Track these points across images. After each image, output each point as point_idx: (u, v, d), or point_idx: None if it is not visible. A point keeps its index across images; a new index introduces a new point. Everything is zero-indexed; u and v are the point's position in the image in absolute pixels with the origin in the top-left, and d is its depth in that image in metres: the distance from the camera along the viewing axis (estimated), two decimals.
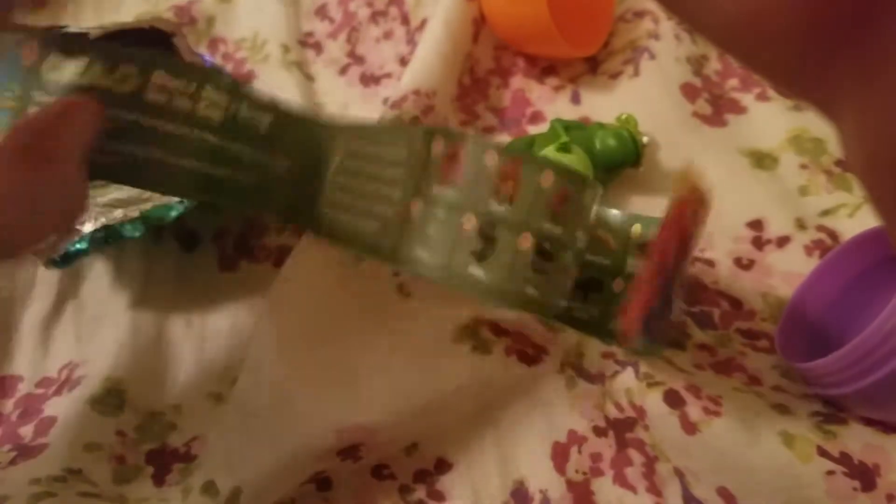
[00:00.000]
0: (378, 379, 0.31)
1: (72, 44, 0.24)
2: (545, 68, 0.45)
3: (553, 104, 0.44)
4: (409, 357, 0.32)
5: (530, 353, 0.33)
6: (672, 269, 0.22)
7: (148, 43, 0.45)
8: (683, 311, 0.34)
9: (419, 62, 0.42)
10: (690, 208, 0.22)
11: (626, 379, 0.30)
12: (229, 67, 0.50)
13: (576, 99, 0.44)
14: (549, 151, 0.36)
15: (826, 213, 0.36)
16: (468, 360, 0.32)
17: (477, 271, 0.23)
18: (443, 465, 0.31)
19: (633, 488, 0.29)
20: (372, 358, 0.32)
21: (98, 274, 0.39)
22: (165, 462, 0.32)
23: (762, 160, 0.38)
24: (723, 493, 0.28)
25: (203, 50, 0.51)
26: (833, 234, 0.35)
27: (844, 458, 0.26)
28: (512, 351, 0.33)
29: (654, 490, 0.29)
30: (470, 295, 0.24)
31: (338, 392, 0.30)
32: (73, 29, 0.45)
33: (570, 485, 0.29)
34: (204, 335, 0.37)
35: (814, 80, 0.11)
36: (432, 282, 0.24)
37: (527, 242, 0.23)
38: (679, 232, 0.22)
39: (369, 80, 0.48)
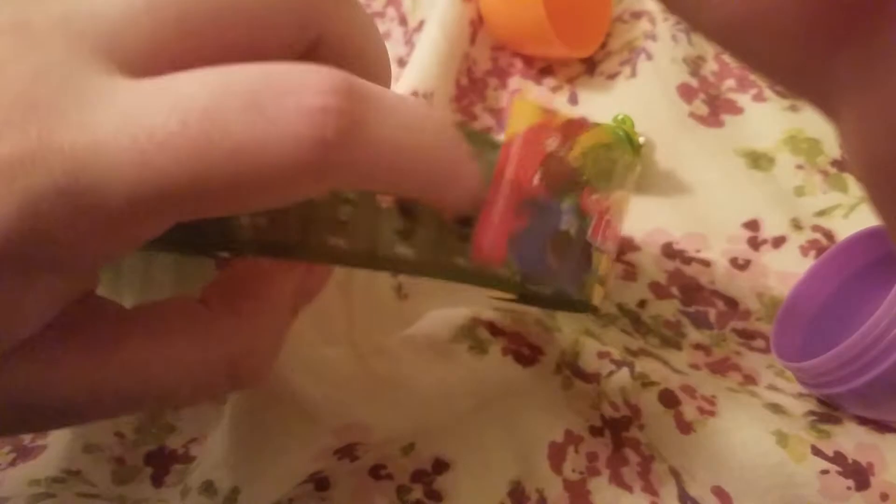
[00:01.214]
0: (374, 379, 0.31)
1: None
2: (542, 69, 0.45)
3: (551, 105, 0.44)
4: (406, 357, 0.32)
5: (526, 354, 0.33)
6: (543, 196, 0.21)
7: None
8: (679, 310, 0.34)
9: (416, 63, 0.42)
10: (543, 133, 0.21)
11: (621, 378, 0.30)
12: None
13: (573, 99, 0.44)
14: None
15: (821, 213, 0.36)
16: (465, 359, 0.32)
17: (403, 249, 0.22)
18: (440, 465, 0.31)
19: (629, 488, 0.29)
20: (369, 358, 0.32)
21: None
22: (164, 463, 0.33)
23: (758, 160, 0.38)
24: (718, 492, 0.28)
25: None
26: (829, 235, 0.35)
27: (838, 458, 0.26)
28: (508, 351, 0.33)
29: (650, 489, 0.29)
30: (402, 273, 0.23)
31: (335, 391, 0.30)
32: None
33: (567, 484, 0.29)
34: None
35: (814, 78, 0.11)
36: (359, 268, 0.22)
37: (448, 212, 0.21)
38: (535, 154, 0.21)
39: None
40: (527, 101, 0.21)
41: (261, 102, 0.14)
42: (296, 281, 0.22)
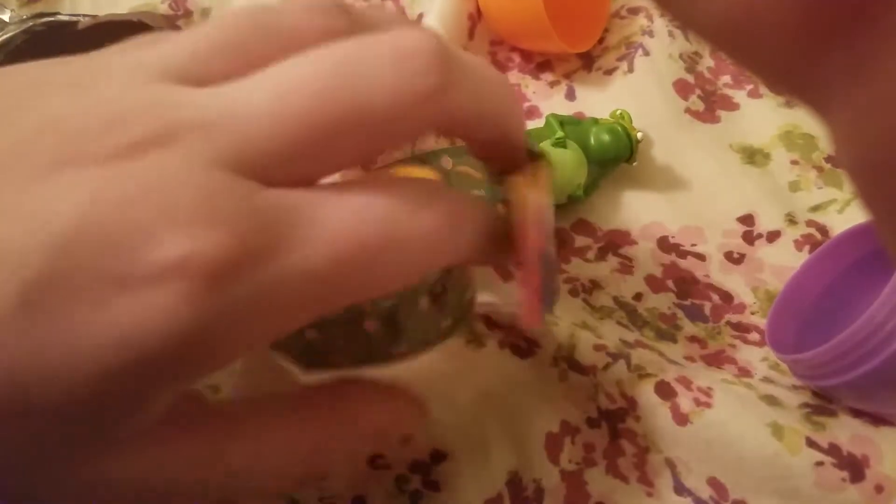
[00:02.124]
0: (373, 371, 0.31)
1: None
2: (540, 64, 0.46)
3: (548, 100, 0.44)
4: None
5: (523, 347, 0.33)
6: (549, 248, 0.23)
7: (137, 36, 0.45)
8: (675, 303, 0.35)
9: None
10: (537, 194, 0.22)
11: (618, 371, 0.30)
12: None
13: (571, 95, 0.44)
14: (545, 146, 0.36)
15: (816, 208, 0.36)
16: (463, 353, 0.32)
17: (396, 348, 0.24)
18: (438, 456, 0.31)
19: (625, 479, 0.30)
20: None
21: None
22: None
23: (753, 156, 0.39)
24: (713, 483, 0.28)
25: None
26: (823, 230, 0.35)
27: (833, 450, 0.27)
28: (505, 344, 0.33)
29: (646, 480, 0.29)
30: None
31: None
32: (63, 17, 0.45)
33: (564, 474, 0.29)
34: None
35: (805, 78, 0.11)
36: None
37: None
38: (539, 217, 0.22)
39: None
40: (517, 180, 0.22)
41: (415, 211, 0.18)
42: (385, 414, 0.22)
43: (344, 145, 0.17)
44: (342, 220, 0.17)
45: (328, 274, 0.16)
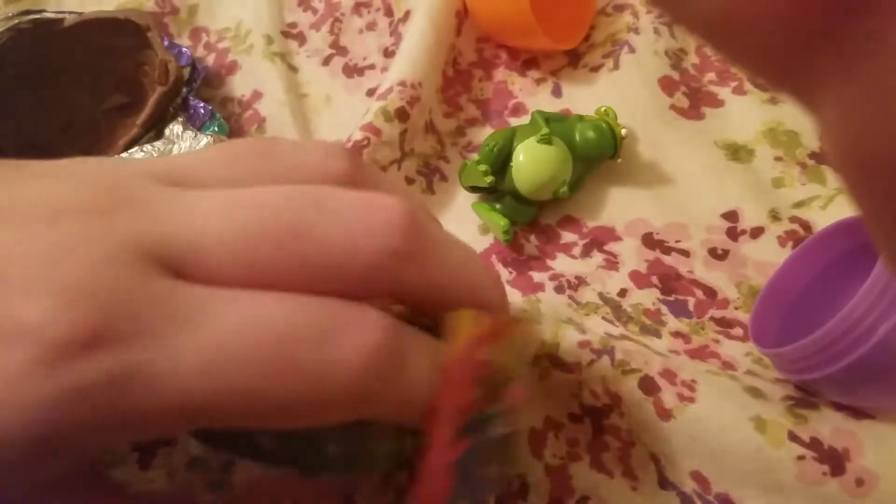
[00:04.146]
0: None
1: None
2: (527, 61, 0.46)
3: (535, 97, 0.44)
4: None
5: None
6: (479, 411, 0.19)
7: (124, 34, 0.45)
8: (659, 299, 0.35)
9: (405, 54, 0.42)
10: (478, 345, 0.20)
11: (602, 367, 0.30)
12: (212, 58, 0.50)
13: (557, 92, 0.44)
14: (531, 143, 0.36)
15: (799, 204, 0.36)
16: None
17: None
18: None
19: (609, 473, 0.30)
20: None
21: None
22: (150, 447, 0.33)
23: (738, 152, 0.39)
24: (696, 476, 0.28)
25: (185, 40, 0.51)
26: (806, 226, 0.36)
27: (814, 444, 0.27)
28: None
29: (630, 474, 0.29)
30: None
31: None
32: (50, 14, 0.45)
33: (548, 469, 0.29)
34: None
35: (795, 73, 0.11)
36: None
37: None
38: (470, 371, 0.19)
39: (352, 71, 0.48)
40: (463, 313, 0.20)
41: (330, 335, 0.16)
42: None
43: (275, 272, 0.17)
44: (228, 327, 0.16)
45: (198, 384, 0.15)
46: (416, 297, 0.19)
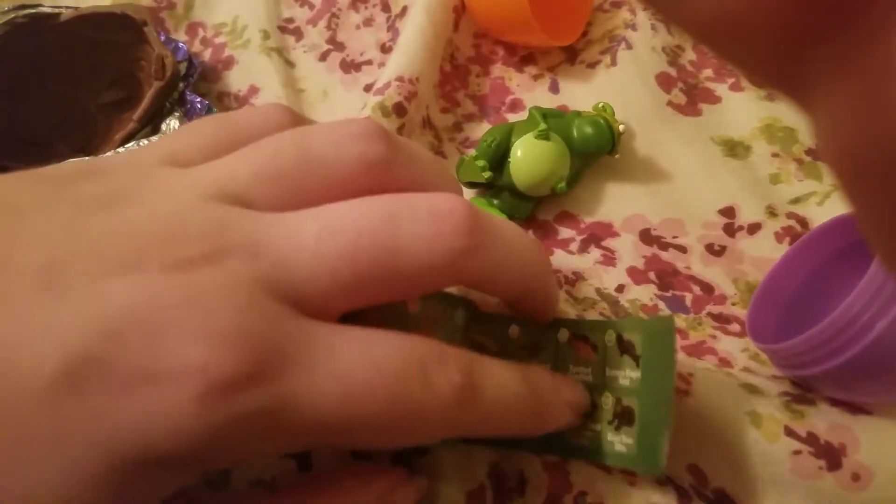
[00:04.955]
0: None
1: None
2: (524, 57, 0.46)
3: (532, 92, 0.44)
4: None
5: None
6: None
7: (120, 29, 0.44)
8: (657, 295, 0.35)
9: (402, 49, 0.42)
10: None
11: None
12: (208, 53, 0.50)
13: (554, 88, 0.44)
14: (528, 138, 0.36)
15: (796, 200, 0.36)
16: None
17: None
18: (419, 450, 0.31)
19: (606, 469, 0.30)
20: None
21: None
22: None
23: (734, 148, 0.39)
24: (692, 469, 0.28)
25: (181, 35, 0.51)
26: (803, 222, 0.36)
27: (811, 438, 0.27)
28: None
29: (626, 469, 0.30)
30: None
31: None
32: (46, 9, 0.45)
33: (546, 465, 0.29)
34: None
35: (788, 73, 0.11)
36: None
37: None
38: None
39: (349, 66, 0.48)
40: None
41: (426, 373, 0.19)
42: (374, 494, 0.23)
43: (375, 288, 0.20)
44: (354, 366, 0.18)
45: (332, 412, 0.18)
46: (485, 279, 0.22)
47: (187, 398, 0.16)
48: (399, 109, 0.40)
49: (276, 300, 0.18)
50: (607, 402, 0.27)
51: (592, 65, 0.44)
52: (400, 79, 0.41)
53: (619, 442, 0.26)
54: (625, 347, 0.27)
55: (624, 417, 0.26)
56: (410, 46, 0.42)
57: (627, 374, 0.27)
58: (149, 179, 0.20)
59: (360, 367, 0.18)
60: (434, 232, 0.20)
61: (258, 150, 0.21)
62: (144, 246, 0.18)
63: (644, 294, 0.35)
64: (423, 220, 0.20)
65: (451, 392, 0.19)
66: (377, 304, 0.20)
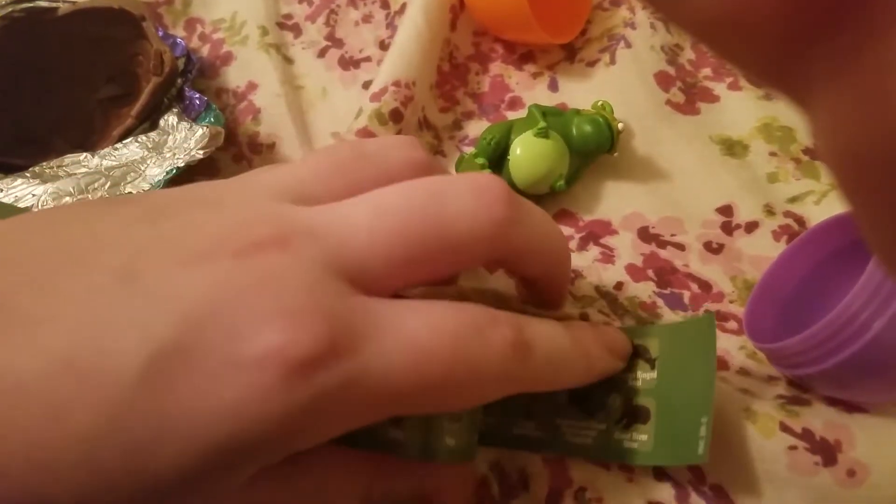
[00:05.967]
0: None
1: None
2: (523, 55, 0.46)
3: (531, 91, 0.44)
4: None
5: None
6: None
7: (118, 24, 0.44)
8: (655, 292, 0.35)
9: (397, 52, 0.42)
10: None
11: None
12: (206, 49, 0.50)
13: (553, 86, 0.44)
14: (528, 136, 0.36)
15: (794, 199, 0.37)
16: None
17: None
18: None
19: (606, 465, 0.30)
20: None
21: None
22: None
23: (733, 147, 0.39)
24: (690, 466, 0.28)
25: (179, 31, 0.51)
26: (800, 220, 0.36)
27: (806, 435, 0.27)
28: None
29: (626, 466, 0.30)
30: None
31: None
32: (43, 3, 0.45)
33: (546, 461, 0.30)
34: None
35: (786, 72, 0.11)
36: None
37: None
38: None
39: (348, 63, 0.48)
40: None
41: (482, 332, 0.20)
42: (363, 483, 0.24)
43: (428, 260, 0.21)
44: (418, 331, 0.19)
45: (404, 377, 0.18)
46: (521, 251, 0.23)
47: (271, 382, 0.17)
48: (395, 115, 0.40)
49: (340, 278, 0.19)
50: (614, 403, 0.27)
51: (591, 63, 0.44)
52: (397, 83, 0.41)
53: (628, 439, 0.27)
54: (637, 352, 0.27)
55: (635, 416, 0.27)
56: (406, 48, 0.42)
57: (640, 376, 0.27)
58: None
59: (423, 332, 0.19)
60: (477, 204, 0.21)
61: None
62: (215, 237, 0.19)
63: (642, 291, 0.35)
64: (465, 195, 0.21)
65: (507, 347, 0.20)
66: (429, 281, 0.22)
